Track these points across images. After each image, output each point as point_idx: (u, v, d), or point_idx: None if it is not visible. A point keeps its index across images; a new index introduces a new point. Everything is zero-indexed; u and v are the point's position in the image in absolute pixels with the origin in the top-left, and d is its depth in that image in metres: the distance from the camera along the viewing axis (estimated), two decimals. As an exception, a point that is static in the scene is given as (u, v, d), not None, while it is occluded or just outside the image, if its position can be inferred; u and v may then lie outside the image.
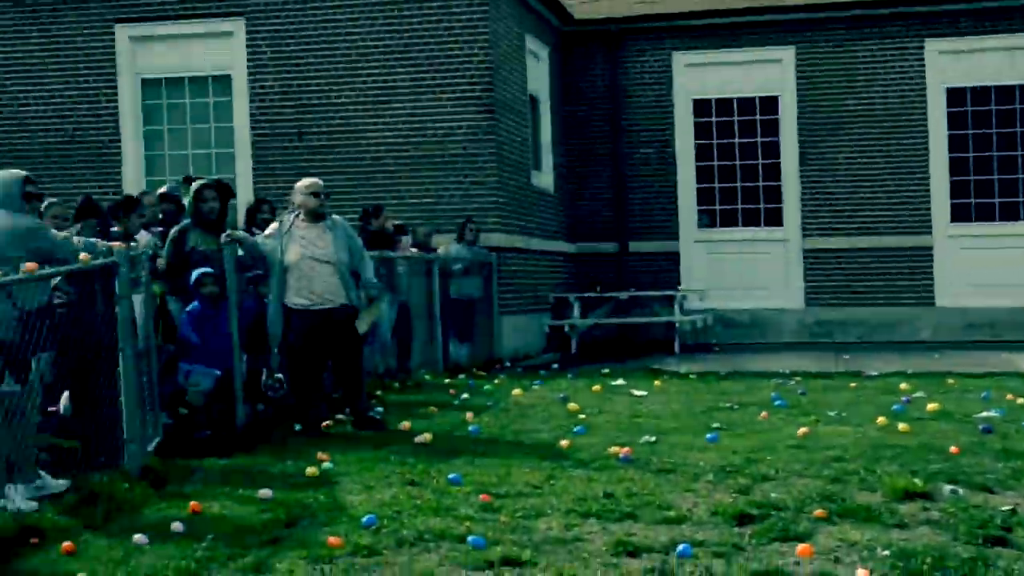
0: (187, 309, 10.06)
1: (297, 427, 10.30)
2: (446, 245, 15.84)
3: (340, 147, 17.08)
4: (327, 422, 10.44)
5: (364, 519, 6.96)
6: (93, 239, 9.21)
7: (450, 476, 8.13)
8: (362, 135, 17.01)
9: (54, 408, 8.53)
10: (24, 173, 8.16)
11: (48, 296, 7.96)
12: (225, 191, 10.68)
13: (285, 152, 17.26)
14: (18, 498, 7.77)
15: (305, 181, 10.58)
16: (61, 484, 7.88)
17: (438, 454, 8.98)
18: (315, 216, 10.31)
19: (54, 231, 8.36)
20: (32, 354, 7.71)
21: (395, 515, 7.14)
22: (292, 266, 10.15)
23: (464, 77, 16.84)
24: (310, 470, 8.43)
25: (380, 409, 11.12)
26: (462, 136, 16.83)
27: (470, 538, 6.48)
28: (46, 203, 9.55)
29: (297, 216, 10.33)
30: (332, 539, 6.51)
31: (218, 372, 9.93)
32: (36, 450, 7.94)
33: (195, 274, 10.03)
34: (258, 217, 12.18)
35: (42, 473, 7.95)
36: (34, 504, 7.52)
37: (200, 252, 10.20)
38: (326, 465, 8.62)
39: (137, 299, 8.54)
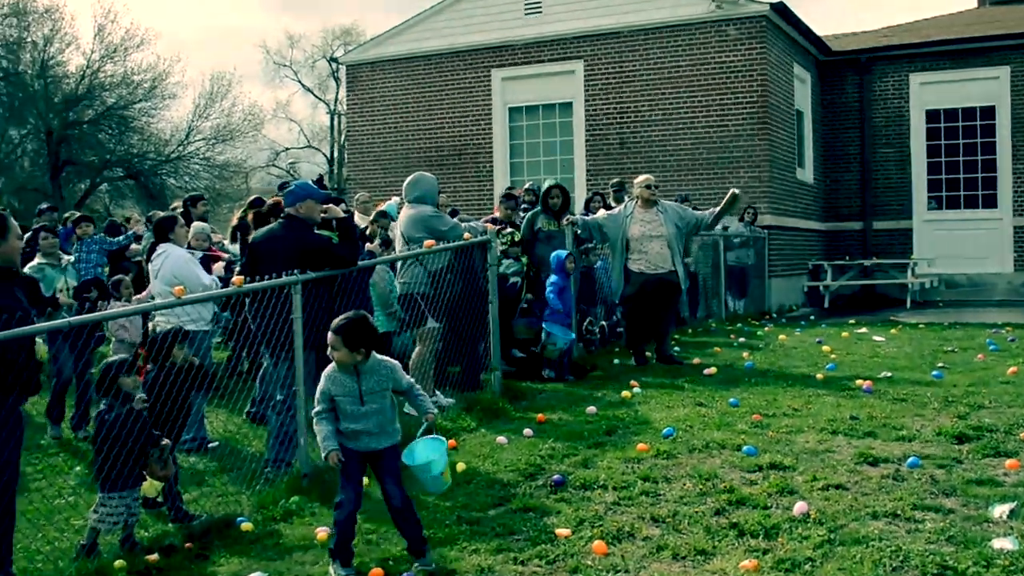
0: (551, 280, 9.57)
1: (616, 361, 10.28)
2: (733, 225, 15.48)
3: (650, 152, 16.95)
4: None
5: (664, 431, 6.91)
6: (475, 223, 9.47)
7: (730, 400, 7.96)
8: (667, 142, 16.80)
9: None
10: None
11: (446, 263, 8.27)
12: (564, 191, 10.65)
13: (609, 158, 17.27)
14: (442, 399, 8.13)
15: (641, 178, 10.50)
16: (451, 401, 8.17)
17: (721, 383, 8.81)
18: (649, 203, 10.21)
19: (447, 217, 8.61)
20: (439, 303, 8.09)
21: (687, 428, 7.06)
22: (634, 240, 10.03)
23: (745, 96, 16.35)
24: (624, 393, 8.44)
25: (677, 349, 10.98)
26: (743, 141, 16.36)
27: (745, 447, 6.35)
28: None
29: (636, 203, 10.26)
30: (640, 445, 6.50)
31: (572, 335, 9.63)
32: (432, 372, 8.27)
33: (562, 254, 9.63)
34: (591, 205, 12.23)
35: (437, 392, 8.26)
36: (451, 400, 7.85)
37: (544, 232, 10.27)
38: (636, 390, 8.60)
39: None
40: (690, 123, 16.70)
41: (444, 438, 4.83)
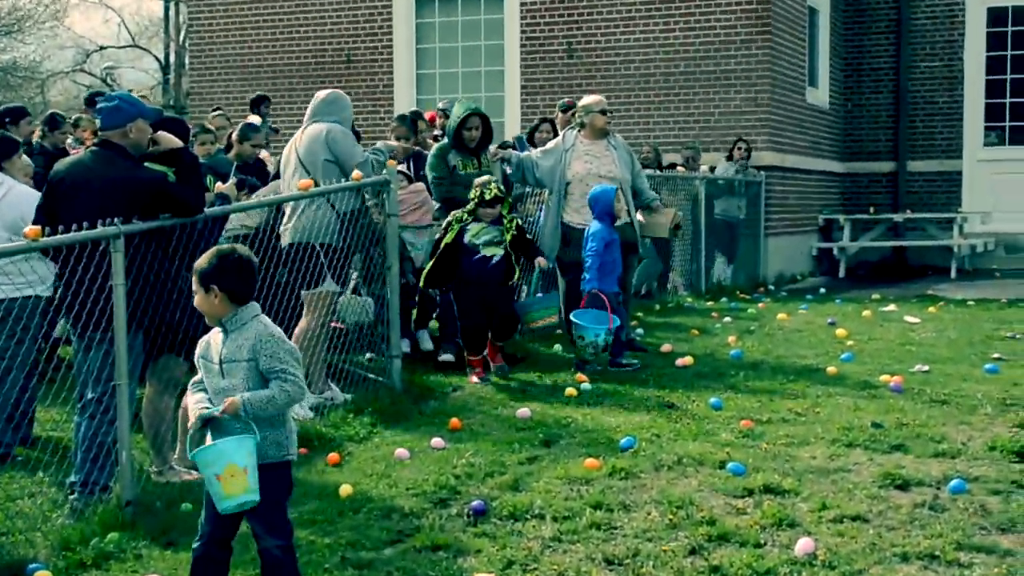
0: (591, 232, 9.45)
1: (557, 348, 10.34)
2: (719, 165, 15.62)
3: (609, 64, 16.98)
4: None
5: (622, 441, 6.98)
6: (384, 146, 9.45)
7: (711, 400, 8.07)
8: (632, 51, 16.85)
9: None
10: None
11: (361, 202, 8.34)
12: (486, 119, 10.58)
13: (552, 71, 17.28)
14: (337, 394, 8.12)
15: (593, 98, 10.52)
16: (348, 397, 8.19)
17: (699, 377, 8.91)
18: (599, 133, 10.24)
19: (352, 141, 8.56)
20: (351, 255, 8.23)
21: (653, 438, 7.14)
22: (575, 182, 10.03)
23: (739, -12, 16.49)
24: (568, 391, 8.48)
25: (640, 331, 11.08)
26: (735, 51, 16.49)
27: (730, 464, 6.44)
28: None
29: (580, 133, 10.28)
30: (589, 461, 6.56)
31: (614, 321, 9.22)
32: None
33: (610, 190, 9.54)
34: (537, 136, 12.24)
35: (331, 384, 8.25)
36: (311, 413, 7.82)
37: (461, 174, 10.24)
38: (584, 387, 8.66)
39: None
40: (663, 25, 16.76)
41: (256, 433, 4.53)
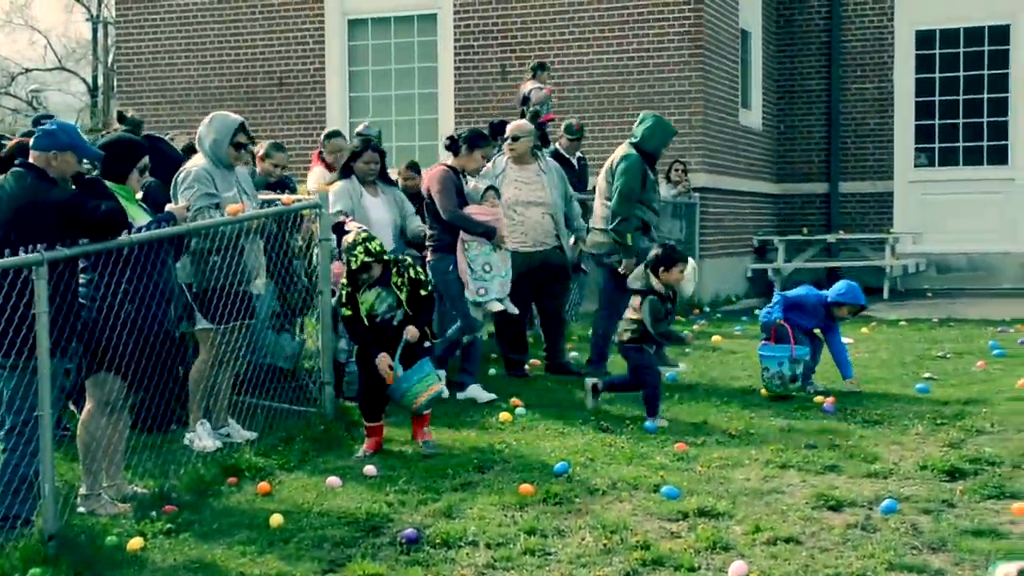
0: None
1: (492, 371, 10.35)
2: (661, 187, 15.69)
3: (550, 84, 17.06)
4: (526, 367, 10.46)
5: (556, 466, 6.98)
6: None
7: (645, 424, 8.10)
8: (566, 73, 16.93)
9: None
10: (240, 120, 8.14)
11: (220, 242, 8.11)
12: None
13: (487, 92, 17.32)
14: (237, 431, 8.01)
15: (519, 123, 10.57)
16: (250, 435, 8.03)
17: (634, 401, 8.93)
18: (528, 158, 10.26)
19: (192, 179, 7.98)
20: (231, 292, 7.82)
21: (588, 462, 7.16)
22: (505, 208, 9.94)
23: (672, 11, 16.61)
24: (503, 416, 8.49)
25: (575, 354, 11.11)
26: (669, 73, 16.63)
27: (664, 488, 6.47)
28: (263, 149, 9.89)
29: (509, 159, 10.29)
30: (524, 486, 6.56)
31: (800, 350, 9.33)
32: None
33: None
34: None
35: (231, 421, 8.14)
36: (218, 443, 7.73)
37: None
38: (519, 410, 8.68)
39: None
40: (598, 46, 16.87)
41: None
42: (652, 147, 10.17)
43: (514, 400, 8.97)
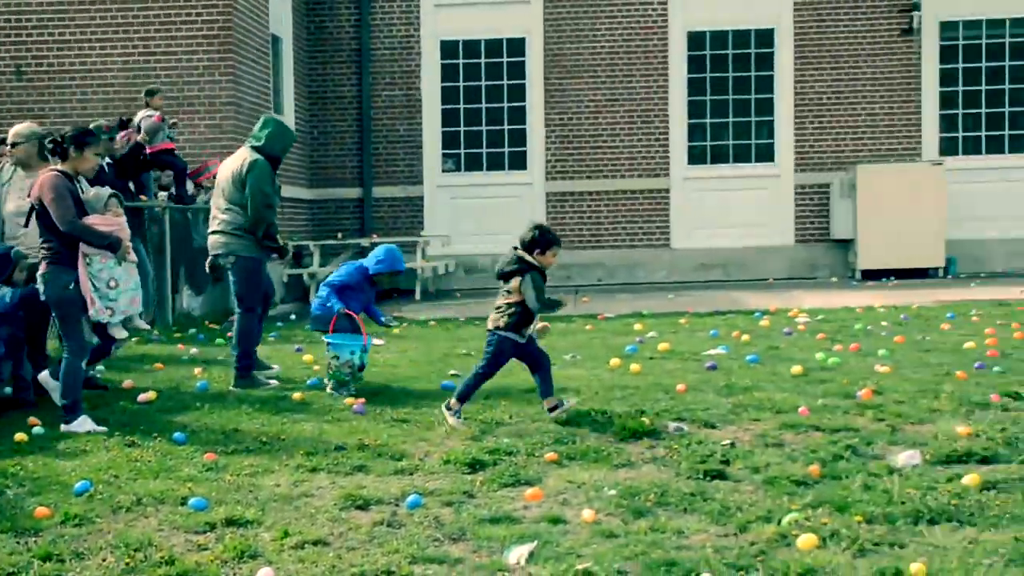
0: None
1: (8, 390, 9.76)
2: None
3: (63, 88, 16.36)
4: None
5: (76, 486, 6.69)
6: None
7: (174, 435, 7.92)
8: (89, 74, 16.32)
9: None
10: None
11: None
12: None
13: (0, 93, 16.42)
14: None
15: (22, 126, 10.03)
16: None
17: (163, 412, 8.73)
18: (37, 164, 9.73)
19: None
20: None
21: (111, 480, 6.91)
22: (8, 222, 9.55)
23: (200, 14, 16.35)
24: (18, 435, 8.04)
25: (101, 367, 10.72)
26: (198, 77, 16.37)
27: (192, 500, 6.34)
28: None
29: (15, 167, 9.76)
30: (40, 509, 6.24)
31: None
32: None
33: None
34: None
35: None
36: None
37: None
38: (37, 430, 8.25)
39: None
40: (122, 49, 16.39)
41: None
42: (277, 151, 10.29)
43: (32, 419, 8.52)
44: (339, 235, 19.85)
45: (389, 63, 20.37)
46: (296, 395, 9.34)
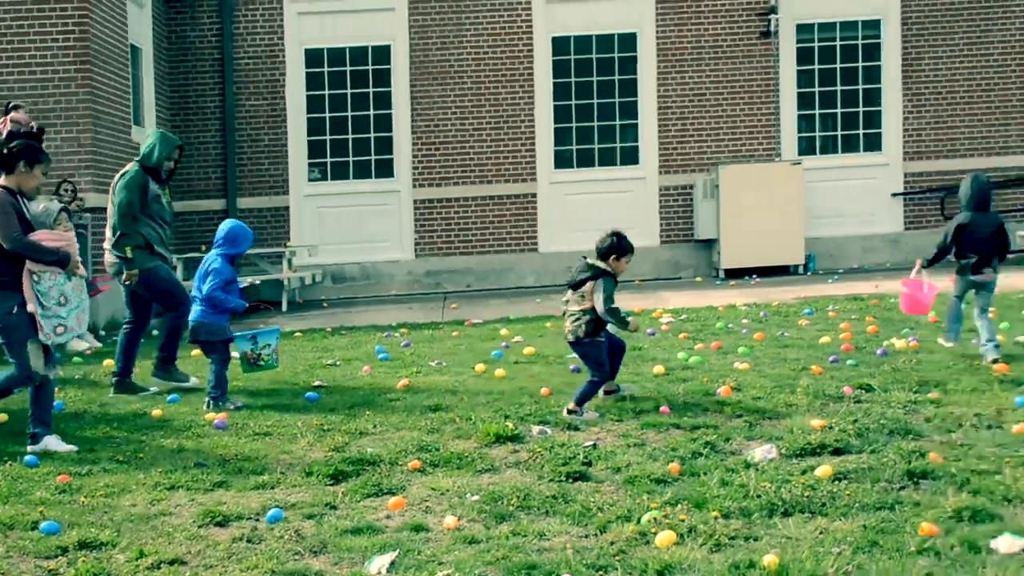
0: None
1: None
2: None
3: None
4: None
5: (-83, 515, 6.49)
6: None
7: (26, 459, 7.71)
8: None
9: None
10: None
11: None
12: None
13: None
14: None
15: None
16: None
17: (11, 436, 8.49)
18: None
19: None
20: None
21: (-45, 508, 6.70)
22: None
23: (55, 23, 15.96)
24: None
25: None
26: (54, 89, 15.98)
27: (43, 524, 6.18)
28: None
29: None
30: None
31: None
32: None
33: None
34: None
35: None
36: None
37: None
38: None
39: None
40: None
41: None
42: (154, 161, 10.50)
43: None
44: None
45: (253, 72, 20.14)
46: (156, 411, 9.18)
